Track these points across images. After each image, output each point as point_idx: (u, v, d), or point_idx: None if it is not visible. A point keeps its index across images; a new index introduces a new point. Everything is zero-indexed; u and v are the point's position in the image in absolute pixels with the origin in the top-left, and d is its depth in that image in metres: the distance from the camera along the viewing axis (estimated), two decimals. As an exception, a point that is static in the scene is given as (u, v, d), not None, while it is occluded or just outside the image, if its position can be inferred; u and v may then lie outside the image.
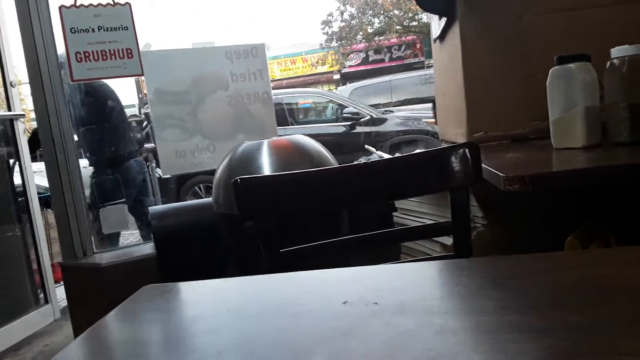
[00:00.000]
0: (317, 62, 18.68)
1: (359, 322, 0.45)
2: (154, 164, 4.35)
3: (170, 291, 0.61)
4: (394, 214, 1.88)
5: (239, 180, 1.02)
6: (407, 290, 0.51)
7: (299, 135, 1.86)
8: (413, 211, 1.77)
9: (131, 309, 0.55)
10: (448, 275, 0.55)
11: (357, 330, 0.43)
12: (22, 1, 1.85)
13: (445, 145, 1.92)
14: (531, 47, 1.53)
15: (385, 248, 1.66)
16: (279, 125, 2.61)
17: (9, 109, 2.75)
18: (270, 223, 1.05)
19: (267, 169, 1.68)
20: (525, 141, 1.52)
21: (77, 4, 1.89)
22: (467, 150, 1.01)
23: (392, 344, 0.40)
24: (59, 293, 2.97)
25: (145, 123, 5.50)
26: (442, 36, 1.87)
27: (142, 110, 6.00)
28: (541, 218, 1.36)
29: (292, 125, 6.77)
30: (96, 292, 1.77)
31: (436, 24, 1.95)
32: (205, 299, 0.58)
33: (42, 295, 2.94)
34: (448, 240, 1.48)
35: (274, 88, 2.55)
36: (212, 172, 1.93)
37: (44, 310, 2.87)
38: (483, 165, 1.06)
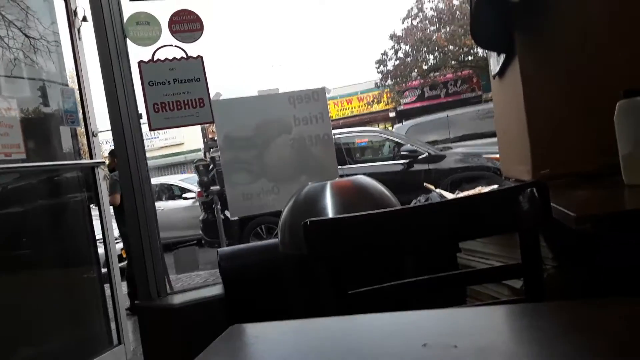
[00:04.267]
0: (372, 101, 18.86)
1: (440, 366, 0.46)
2: (219, 206, 4.53)
3: (256, 331, 0.65)
4: (458, 254, 1.85)
5: (308, 222, 1.06)
6: (485, 333, 0.51)
7: (360, 176, 1.89)
8: (478, 252, 1.74)
9: (222, 348, 0.59)
10: (526, 319, 0.55)
11: (439, 373, 0.44)
12: (105, 58, 2.03)
13: (510, 183, 1.89)
14: (595, 80, 1.48)
15: (450, 291, 1.63)
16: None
17: (91, 157, 2.98)
18: (338, 264, 1.08)
19: (330, 210, 1.72)
20: (594, 178, 1.46)
21: (155, 59, 2.06)
22: (535, 190, 1.01)
23: (475, 387, 0.41)
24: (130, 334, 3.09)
25: (211, 166, 5.77)
26: (502, 72, 1.86)
27: (208, 155, 6.32)
28: (616, 258, 1.30)
29: (350, 164, 6.83)
30: (170, 332, 1.85)
31: (495, 60, 1.95)
32: (289, 340, 0.61)
33: (115, 336, 3.06)
34: (517, 283, 1.44)
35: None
36: (275, 214, 1.99)
37: (117, 351, 2.98)
38: (552, 204, 1.04)
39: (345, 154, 6.94)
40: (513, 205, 1.02)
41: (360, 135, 8.32)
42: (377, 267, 1.52)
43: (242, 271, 1.83)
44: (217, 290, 1.98)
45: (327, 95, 2.53)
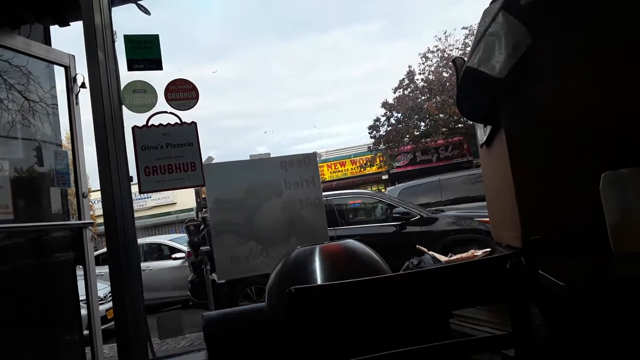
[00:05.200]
0: (365, 164, 19.15)
1: None
2: (208, 267, 4.44)
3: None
4: (450, 320, 1.81)
5: (293, 289, 1.04)
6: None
7: (350, 241, 1.88)
8: (471, 318, 1.70)
9: None
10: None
11: None
12: (100, 124, 2.06)
13: (501, 249, 1.89)
14: (582, 148, 1.49)
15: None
16: (329, 226, 2.65)
17: (80, 218, 2.96)
18: (324, 332, 1.06)
19: (319, 275, 1.69)
20: (583, 243, 1.45)
21: (149, 124, 2.10)
22: (522, 259, 1.00)
23: None
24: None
25: (202, 227, 5.72)
26: (489, 142, 1.90)
27: (200, 215, 6.29)
28: (609, 327, 1.28)
29: (342, 225, 6.80)
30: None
31: (482, 130, 1.99)
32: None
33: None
34: (511, 351, 1.40)
35: (323, 190, 2.63)
36: (266, 275, 1.95)
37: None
38: (542, 272, 1.04)
39: (338, 215, 6.93)
40: (500, 274, 1.02)
41: (353, 197, 8.36)
42: (366, 334, 1.48)
43: (228, 337, 1.77)
44: (202, 356, 1.91)
45: (318, 160, 2.56)
